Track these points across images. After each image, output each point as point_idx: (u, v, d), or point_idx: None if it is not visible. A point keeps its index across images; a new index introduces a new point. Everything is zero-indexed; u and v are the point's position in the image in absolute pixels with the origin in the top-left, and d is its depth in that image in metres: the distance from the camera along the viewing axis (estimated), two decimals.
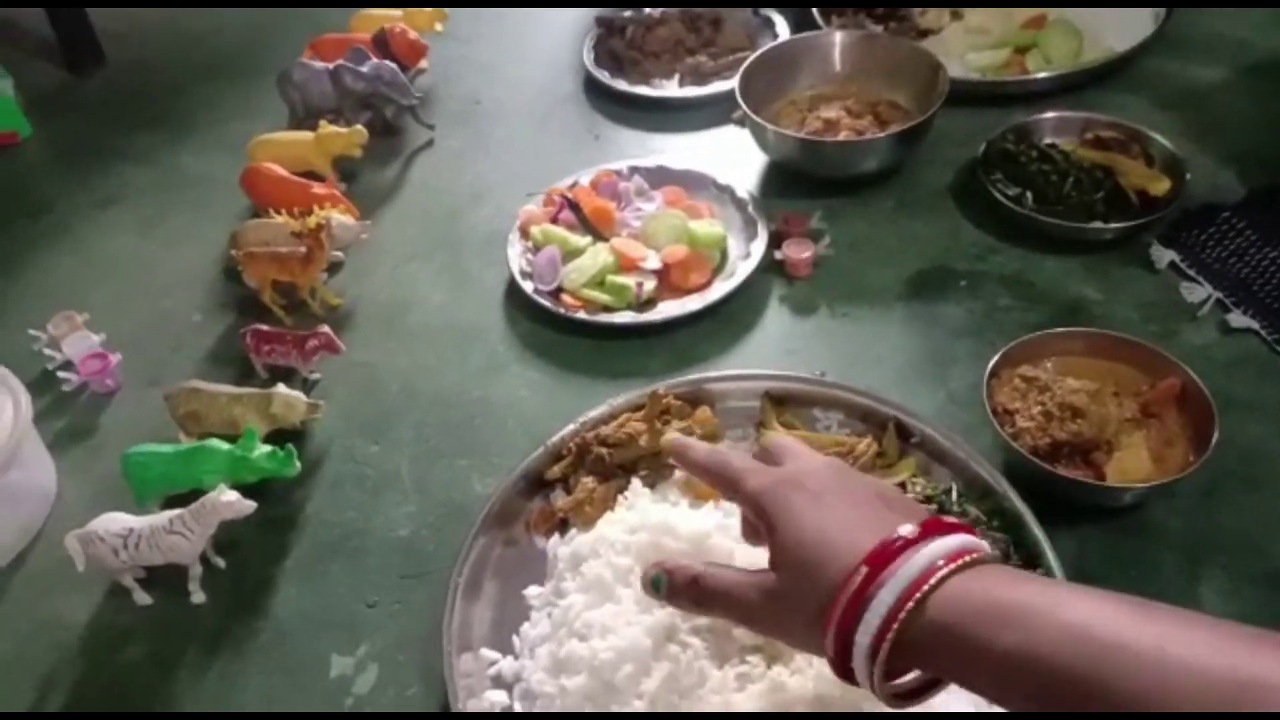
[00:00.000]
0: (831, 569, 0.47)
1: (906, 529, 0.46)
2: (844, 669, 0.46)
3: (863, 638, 0.44)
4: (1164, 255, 0.92)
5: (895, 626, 0.43)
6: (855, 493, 0.51)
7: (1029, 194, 0.98)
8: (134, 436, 0.87)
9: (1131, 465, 0.73)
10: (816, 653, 0.48)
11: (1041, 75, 1.14)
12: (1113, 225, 0.94)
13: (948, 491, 0.74)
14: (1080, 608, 0.41)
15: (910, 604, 0.43)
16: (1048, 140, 1.03)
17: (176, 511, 0.74)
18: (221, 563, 0.79)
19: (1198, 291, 0.88)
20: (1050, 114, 1.05)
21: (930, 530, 0.46)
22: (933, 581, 0.44)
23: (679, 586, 0.55)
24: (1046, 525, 0.69)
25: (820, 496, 0.51)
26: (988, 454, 0.75)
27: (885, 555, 0.45)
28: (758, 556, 0.67)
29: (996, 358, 0.79)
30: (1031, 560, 0.68)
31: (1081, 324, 0.88)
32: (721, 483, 0.57)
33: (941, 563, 0.44)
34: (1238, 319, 0.86)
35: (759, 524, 0.53)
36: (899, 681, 0.47)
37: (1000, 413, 0.77)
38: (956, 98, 1.05)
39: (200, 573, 0.76)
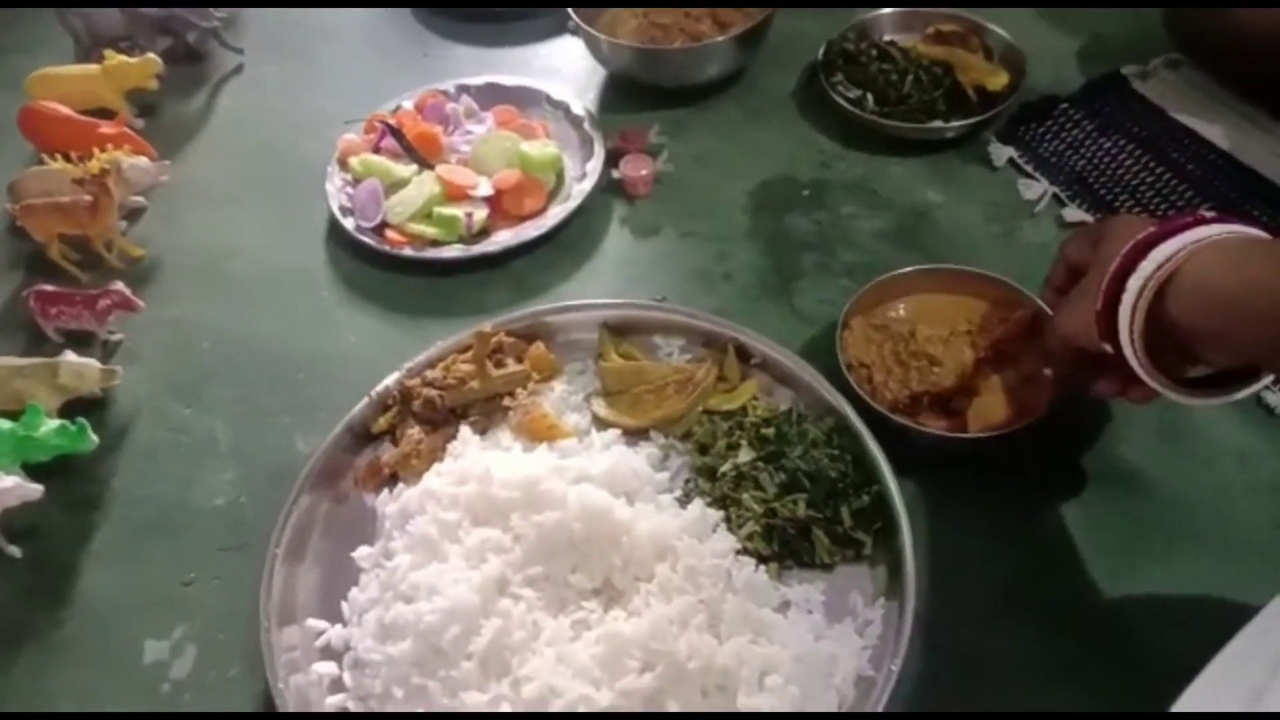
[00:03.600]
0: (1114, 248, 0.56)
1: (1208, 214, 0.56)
2: (1108, 328, 0.56)
3: (1134, 282, 0.54)
4: (1002, 152, 0.90)
5: (1158, 275, 0.53)
6: None
7: (870, 96, 0.95)
8: None
9: (993, 409, 0.70)
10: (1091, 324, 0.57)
11: None
12: (952, 124, 0.92)
13: (788, 412, 0.72)
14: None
15: (1170, 264, 0.53)
16: (888, 37, 1.00)
17: None
18: (17, 552, 0.72)
19: (1034, 188, 0.87)
20: (890, 10, 1.01)
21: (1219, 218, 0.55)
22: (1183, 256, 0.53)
23: None
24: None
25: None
26: (832, 373, 0.72)
27: (1162, 233, 0.55)
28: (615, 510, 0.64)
29: (847, 306, 0.75)
30: (878, 496, 0.67)
31: (926, 229, 0.87)
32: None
33: (1209, 233, 0.54)
34: (1072, 213, 0.85)
35: None
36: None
37: (856, 367, 0.73)
38: None
39: None
